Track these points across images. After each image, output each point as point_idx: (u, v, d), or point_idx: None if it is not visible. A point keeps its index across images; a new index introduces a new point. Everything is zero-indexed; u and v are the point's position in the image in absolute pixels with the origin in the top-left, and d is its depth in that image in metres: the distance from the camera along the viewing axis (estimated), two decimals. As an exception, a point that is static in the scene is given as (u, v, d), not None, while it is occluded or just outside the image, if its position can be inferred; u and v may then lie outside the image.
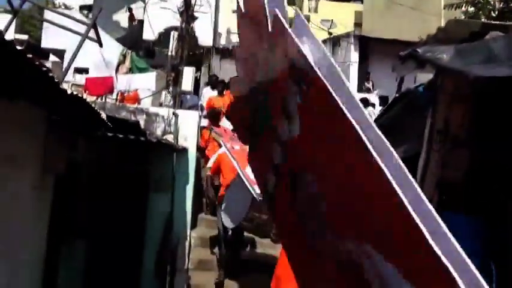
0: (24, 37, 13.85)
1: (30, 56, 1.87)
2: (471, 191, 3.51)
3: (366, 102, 9.99)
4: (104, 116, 3.11)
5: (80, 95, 2.37)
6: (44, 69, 2.03)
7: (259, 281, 4.53)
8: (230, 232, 4.90)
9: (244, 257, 5.42)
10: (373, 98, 10.77)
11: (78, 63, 12.20)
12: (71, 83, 10.00)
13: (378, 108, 10.25)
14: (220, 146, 5.99)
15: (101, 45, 5.59)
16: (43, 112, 3.06)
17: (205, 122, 7.74)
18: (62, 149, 3.43)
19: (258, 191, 3.54)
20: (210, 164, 5.79)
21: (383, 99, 10.09)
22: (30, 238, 3.03)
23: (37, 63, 1.94)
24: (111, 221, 5.62)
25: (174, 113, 5.71)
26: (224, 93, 8.07)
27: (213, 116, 6.86)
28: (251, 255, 5.65)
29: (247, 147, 4.05)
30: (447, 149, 3.43)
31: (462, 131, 3.48)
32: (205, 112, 8.48)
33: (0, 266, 2.63)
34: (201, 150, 6.66)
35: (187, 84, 7.46)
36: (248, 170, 3.76)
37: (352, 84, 13.05)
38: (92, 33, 5.33)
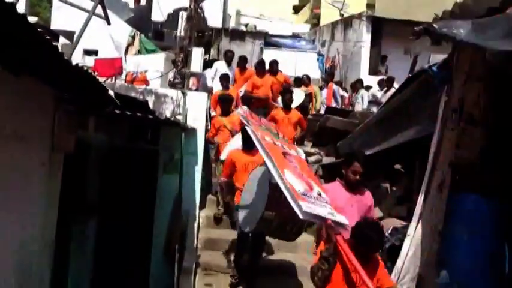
0: (34, 19, 13.83)
1: (40, 29, 1.83)
2: (486, 172, 3.43)
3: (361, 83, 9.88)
4: (111, 93, 3.08)
5: (86, 69, 2.33)
6: (53, 43, 1.99)
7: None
8: (250, 236, 4.35)
9: (262, 262, 4.90)
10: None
11: (87, 45, 12.19)
12: (80, 64, 9.97)
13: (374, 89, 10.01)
14: (232, 135, 5.86)
15: (108, 22, 5.52)
16: (51, 89, 3.04)
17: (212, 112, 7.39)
18: (70, 128, 3.42)
19: (305, 207, 2.86)
20: (223, 156, 5.40)
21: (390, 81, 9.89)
22: (39, 216, 3.05)
23: (46, 37, 1.90)
24: (121, 200, 5.66)
25: (182, 92, 5.66)
26: (230, 87, 7.73)
27: (224, 100, 6.50)
28: (269, 262, 5.14)
29: (284, 145, 3.76)
30: (461, 129, 3.34)
31: (477, 110, 3.38)
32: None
33: (10, 242, 2.65)
34: (209, 142, 6.33)
35: (196, 65, 7.38)
36: (289, 176, 3.06)
37: (364, 66, 12.82)
38: (99, 11, 5.25)
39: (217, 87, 8.17)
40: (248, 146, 4.54)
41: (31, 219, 2.90)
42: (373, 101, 9.32)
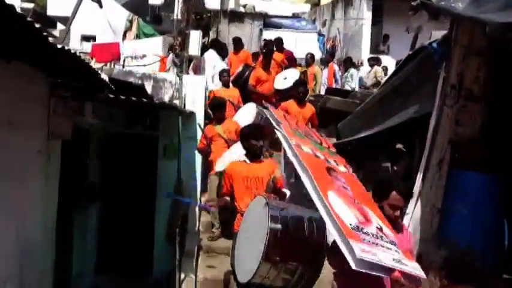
0: (30, 5, 13.68)
1: (30, 19, 1.80)
2: (486, 148, 3.40)
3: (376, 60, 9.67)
4: (105, 77, 3.05)
5: (78, 55, 2.30)
6: (41, 30, 1.97)
7: None
8: None
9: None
10: (389, 60, 10.40)
11: (85, 31, 12.07)
12: (78, 50, 9.88)
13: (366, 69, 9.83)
14: (228, 146, 4.68)
15: (100, 5, 5.43)
16: (44, 75, 3.01)
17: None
18: (67, 114, 3.41)
19: (359, 252, 1.88)
20: (218, 167, 4.39)
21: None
22: (38, 203, 3.07)
23: (35, 24, 1.87)
24: (123, 185, 5.71)
25: (177, 75, 5.60)
26: (230, 85, 6.58)
27: (215, 106, 5.07)
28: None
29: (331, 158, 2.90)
30: (460, 105, 3.29)
31: (477, 85, 3.32)
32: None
33: (10, 229, 2.67)
34: (201, 153, 5.20)
35: (194, 48, 7.29)
36: (335, 201, 2.10)
37: (365, 45, 12.64)
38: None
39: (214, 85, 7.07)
40: (253, 155, 3.41)
41: (30, 206, 2.92)
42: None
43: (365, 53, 12.23)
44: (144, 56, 8.50)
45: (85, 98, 3.46)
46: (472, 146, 3.38)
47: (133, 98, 3.03)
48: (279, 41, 8.46)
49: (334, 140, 7.19)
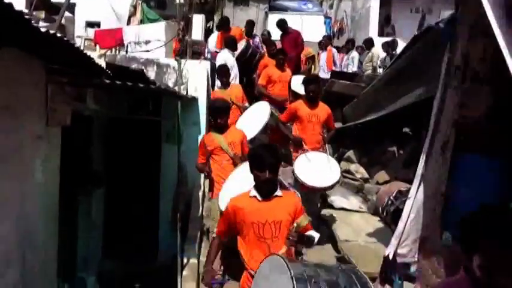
0: (35, -7, 13.61)
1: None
2: (492, 131, 3.31)
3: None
4: (102, 63, 3.02)
5: (71, 42, 2.26)
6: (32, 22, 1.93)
7: None
8: None
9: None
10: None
11: (90, 17, 12.02)
12: (83, 37, 9.87)
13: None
14: (234, 163, 3.82)
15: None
16: (40, 61, 2.99)
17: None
18: (65, 100, 3.40)
19: None
20: (222, 203, 3.25)
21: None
22: (39, 188, 3.08)
23: (18, 10, 1.84)
24: (127, 171, 5.74)
25: (175, 59, 5.53)
26: (231, 84, 5.63)
27: (216, 110, 3.98)
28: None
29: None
30: (466, 87, 3.20)
31: (483, 66, 3.21)
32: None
33: (11, 213, 2.68)
34: (200, 170, 4.20)
35: (197, 32, 7.21)
36: None
37: (373, 27, 12.39)
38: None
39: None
40: (262, 191, 2.46)
41: (29, 192, 2.93)
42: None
43: (373, 35, 12.00)
44: (148, 42, 8.46)
45: (82, 84, 3.44)
46: (477, 129, 3.29)
47: (129, 83, 3.00)
48: (282, 23, 7.83)
49: (339, 125, 7.14)
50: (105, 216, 5.73)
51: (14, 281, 2.71)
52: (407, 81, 5.16)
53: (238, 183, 3.28)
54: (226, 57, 6.36)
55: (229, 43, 6.69)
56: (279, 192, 2.48)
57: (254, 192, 2.46)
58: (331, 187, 4.54)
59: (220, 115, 3.93)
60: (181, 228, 4.28)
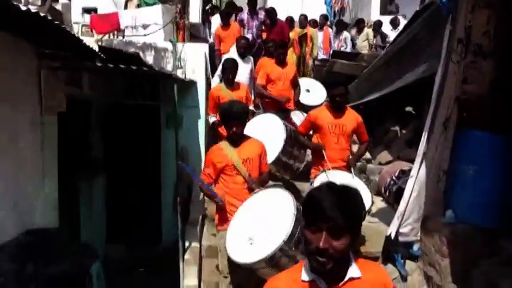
0: (31, -21, 13.43)
1: None
2: (494, 107, 3.24)
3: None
4: (94, 46, 2.95)
5: (54, 21, 2.20)
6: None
7: None
8: None
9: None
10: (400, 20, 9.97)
11: (86, 3, 11.82)
12: (81, 23, 9.73)
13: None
14: (250, 188, 3.07)
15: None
16: (31, 45, 2.93)
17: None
18: (59, 86, 3.35)
19: None
20: (229, 245, 2.84)
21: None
22: (36, 174, 3.06)
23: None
24: (127, 157, 5.72)
25: (170, 41, 5.42)
26: (236, 83, 4.76)
27: (232, 116, 3.11)
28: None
29: None
30: (468, 61, 3.11)
31: (486, 40, 3.12)
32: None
33: (8, 199, 2.67)
34: (203, 191, 3.42)
35: (194, 15, 7.07)
36: None
37: (375, 5, 12.14)
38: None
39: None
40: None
41: (27, 178, 2.91)
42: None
43: (375, 15, 11.76)
44: (146, 26, 8.33)
45: (75, 67, 3.38)
46: (480, 104, 3.22)
47: (122, 66, 2.93)
48: (271, 13, 7.14)
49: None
50: (107, 203, 5.74)
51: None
52: (409, 59, 5.06)
53: (253, 220, 2.81)
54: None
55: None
56: (354, 272, 1.33)
57: (310, 276, 1.32)
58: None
59: (238, 123, 3.07)
60: (182, 212, 4.27)
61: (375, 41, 8.94)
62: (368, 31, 9.10)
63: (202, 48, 5.99)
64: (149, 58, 6.00)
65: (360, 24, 9.33)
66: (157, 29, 7.12)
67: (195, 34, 7.97)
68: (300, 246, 2.52)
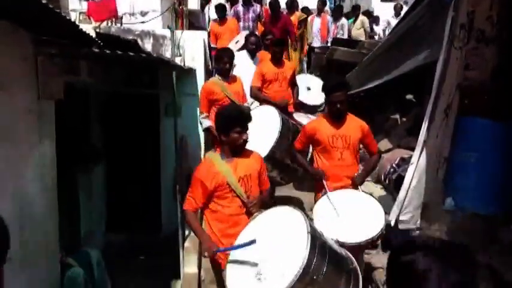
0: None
1: None
2: (497, 94, 3.21)
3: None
4: (91, 32, 2.91)
5: (49, 5, 2.15)
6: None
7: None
8: None
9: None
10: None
11: (84, -10, 11.69)
12: (78, 11, 9.62)
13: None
14: (248, 212, 2.65)
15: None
16: (27, 32, 2.88)
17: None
18: (56, 73, 3.30)
19: None
20: (229, 282, 2.39)
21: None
22: (34, 163, 3.04)
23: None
24: (127, 146, 5.71)
25: (168, 27, 5.34)
26: (231, 76, 4.38)
27: (230, 121, 2.69)
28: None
29: None
30: (471, 47, 3.07)
31: (489, 25, 3.07)
32: None
33: (5, 188, 2.66)
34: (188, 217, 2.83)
35: (193, 2, 6.98)
36: None
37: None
38: None
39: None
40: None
41: (24, 167, 2.89)
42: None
43: (376, 1, 11.67)
44: (144, 13, 8.24)
45: (71, 54, 3.34)
46: (482, 91, 3.19)
47: (119, 52, 2.89)
48: (274, 5, 6.70)
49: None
50: (107, 191, 5.74)
51: (14, 251, 2.71)
52: (410, 45, 5.00)
53: (258, 250, 2.27)
54: (243, 57, 5.03)
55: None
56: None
57: None
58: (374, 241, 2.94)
59: (238, 127, 2.59)
60: (182, 201, 4.26)
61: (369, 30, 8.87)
62: (363, 19, 8.99)
63: (201, 36, 5.93)
64: (147, 46, 5.93)
65: (355, 11, 9.20)
66: (155, 16, 7.05)
67: (193, 22, 7.88)
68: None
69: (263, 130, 3.43)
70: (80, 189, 4.76)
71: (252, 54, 4.96)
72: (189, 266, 3.78)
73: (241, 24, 6.99)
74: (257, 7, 7.13)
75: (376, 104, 6.52)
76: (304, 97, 5.36)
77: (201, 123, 4.63)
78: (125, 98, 5.58)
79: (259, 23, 7.06)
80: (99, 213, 5.48)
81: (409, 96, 6.79)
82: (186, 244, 3.96)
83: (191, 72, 5.46)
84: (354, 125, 3.26)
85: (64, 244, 3.69)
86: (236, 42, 5.86)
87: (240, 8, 7.01)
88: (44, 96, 3.09)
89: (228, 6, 7.57)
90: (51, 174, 3.36)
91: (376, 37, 9.22)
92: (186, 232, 4.11)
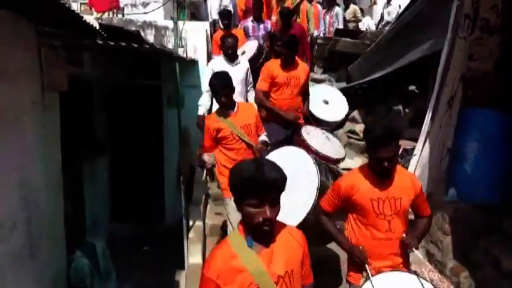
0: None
1: None
2: (500, 85, 3.20)
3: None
4: (94, 23, 2.91)
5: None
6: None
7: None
8: None
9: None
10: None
11: (85, -19, 11.62)
12: (79, 1, 9.58)
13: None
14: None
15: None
16: (30, 24, 2.88)
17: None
18: (60, 64, 3.31)
19: None
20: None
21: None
22: (39, 154, 3.06)
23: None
24: (130, 137, 5.73)
25: (171, 18, 5.31)
26: (237, 105, 3.19)
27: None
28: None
29: None
30: (475, 37, 3.06)
31: (494, 15, 3.06)
32: None
33: (10, 178, 2.68)
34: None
35: (195, -8, 6.92)
36: None
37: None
38: None
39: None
40: None
41: (30, 157, 2.91)
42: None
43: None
44: (146, 4, 8.19)
45: (75, 46, 3.34)
46: (486, 82, 3.18)
47: (122, 43, 2.89)
48: (288, 15, 5.27)
49: (344, 85, 6.99)
50: (111, 182, 5.78)
51: (21, 242, 2.76)
52: (413, 36, 4.97)
53: None
54: (218, 63, 4.20)
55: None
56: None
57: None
58: None
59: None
60: (185, 191, 4.29)
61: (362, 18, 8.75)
62: (355, 8, 8.85)
63: (203, 27, 5.90)
64: (150, 37, 5.92)
65: (346, 1, 9.02)
66: (157, 7, 7.01)
67: (194, 13, 7.84)
68: None
69: (291, 182, 1.98)
70: (85, 180, 4.79)
71: (230, 58, 4.18)
72: (194, 256, 3.81)
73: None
74: (268, 24, 5.89)
75: (379, 95, 6.50)
76: (321, 112, 4.52)
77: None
78: (128, 89, 5.59)
79: (267, 36, 5.73)
80: (103, 204, 5.52)
81: (412, 87, 6.77)
82: (191, 235, 3.99)
83: (194, 63, 5.45)
84: (405, 183, 2.26)
85: (69, 234, 3.74)
86: (242, 54, 4.75)
87: (249, 23, 5.68)
88: (48, 87, 3.10)
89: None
90: (56, 165, 3.39)
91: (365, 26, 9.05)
92: (190, 223, 4.14)
